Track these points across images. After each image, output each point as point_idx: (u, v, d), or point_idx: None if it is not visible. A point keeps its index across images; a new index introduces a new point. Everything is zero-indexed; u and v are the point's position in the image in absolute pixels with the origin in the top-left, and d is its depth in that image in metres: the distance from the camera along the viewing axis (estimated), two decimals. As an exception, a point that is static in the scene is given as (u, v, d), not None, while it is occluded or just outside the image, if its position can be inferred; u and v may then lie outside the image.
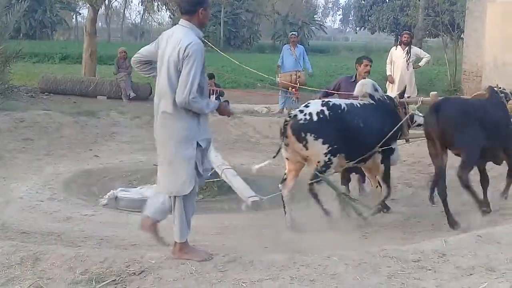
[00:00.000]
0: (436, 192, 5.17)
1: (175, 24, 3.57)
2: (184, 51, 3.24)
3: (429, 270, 3.33)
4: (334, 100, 5.15)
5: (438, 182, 5.11)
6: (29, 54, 18.24)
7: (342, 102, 5.11)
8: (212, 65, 13.75)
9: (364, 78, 5.85)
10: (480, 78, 11.08)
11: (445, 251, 3.56)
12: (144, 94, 12.06)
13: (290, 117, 4.94)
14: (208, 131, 3.51)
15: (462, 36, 15.16)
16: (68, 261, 3.32)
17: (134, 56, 3.66)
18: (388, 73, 9.84)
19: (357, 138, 4.95)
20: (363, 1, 40.10)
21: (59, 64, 19.40)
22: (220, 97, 9.99)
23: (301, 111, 4.91)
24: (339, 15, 72.25)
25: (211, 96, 9.96)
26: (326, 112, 4.87)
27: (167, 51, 3.33)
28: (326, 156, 4.85)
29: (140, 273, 3.20)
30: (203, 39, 3.48)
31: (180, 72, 3.27)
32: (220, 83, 11.94)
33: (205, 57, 3.33)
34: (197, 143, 3.39)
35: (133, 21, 49.98)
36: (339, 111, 4.94)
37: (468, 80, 12.63)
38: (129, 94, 11.76)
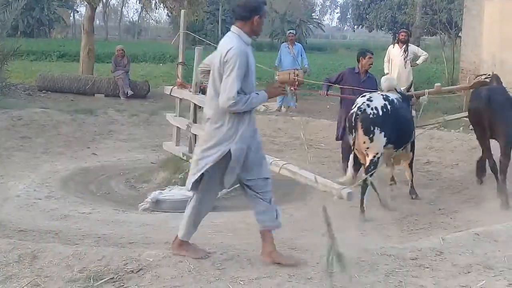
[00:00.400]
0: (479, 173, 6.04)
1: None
2: (225, 56, 3.25)
3: (427, 268, 3.34)
4: (388, 95, 5.53)
5: (490, 160, 5.68)
6: (27, 52, 18.22)
7: (392, 96, 5.51)
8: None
9: (367, 70, 6.44)
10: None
11: (442, 249, 3.57)
12: (142, 92, 12.05)
13: (360, 111, 5.24)
14: (247, 140, 3.35)
15: (459, 34, 15.18)
16: (66, 259, 3.31)
17: (199, 66, 3.75)
18: (385, 71, 9.83)
19: (403, 129, 5.47)
20: (361, -1, 40.11)
21: (56, 62, 19.36)
22: None
23: (368, 106, 5.26)
24: (337, 13, 72.29)
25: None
26: (388, 107, 5.31)
27: (215, 58, 3.37)
28: (383, 148, 5.29)
29: (138, 271, 3.20)
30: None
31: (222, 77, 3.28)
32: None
33: (249, 62, 3.29)
34: (229, 150, 3.30)
35: (131, 19, 49.90)
36: (395, 105, 5.40)
37: (466, 78, 12.64)
38: (127, 92, 11.74)
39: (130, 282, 3.10)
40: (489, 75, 6.23)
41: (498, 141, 5.62)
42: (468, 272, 3.29)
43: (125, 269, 3.22)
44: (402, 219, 5.31)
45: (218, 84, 3.29)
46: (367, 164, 5.28)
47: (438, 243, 3.68)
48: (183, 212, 3.57)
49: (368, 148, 5.25)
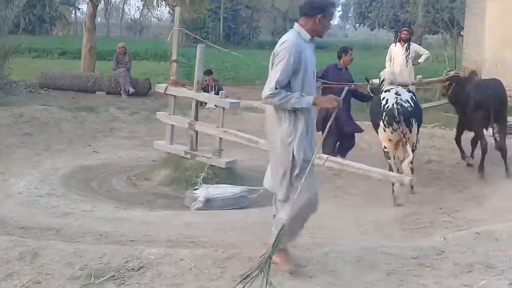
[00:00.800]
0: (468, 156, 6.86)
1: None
2: (277, 49, 3.21)
3: (428, 267, 3.34)
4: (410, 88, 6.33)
5: (482, 142, 6.36)
6: (28, 49, 18.21)
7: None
8: (211, 61, 13.73)
9: (349, 66, 7.04)
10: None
11: (444, 248, 3.56)
12: (143, 90, 12.05)
13: (399, 105, 5.72)
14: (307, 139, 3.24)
15: (461, 33, 15.15)
16: (67, 256, 3.31)
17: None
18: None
19: (421, 115, 6.10)
20: (362, -2, 40.01)
21: (58, 60, 19.36)
22: (220, 92, 9.97)
23: (401, 99, 5.79)
24: (338, 11, 72.13)
25: (210, 92, 9.97)
26: (414, 98, 5.96)
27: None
28: (417, 135, 5.98)
29: (139, 269, 3.20)
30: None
31: None
32: (220, 79, 11.93)
33: (304, 59, 3.16)
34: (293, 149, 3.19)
35: (132, 17, 49.82)
36: (415, 95, 6.13)
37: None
38: (128, 90, 11.74)
39: (131, 280, 3.10)
40: (456, 72, 7.39)
41: (498, 126, 6.36)
42: (470, 271, 3.28)
43: (126, 267, 3.21)
44: (403, 218, 5.30)
45: None
46: (411, 154, 5.73)
47: (439, 242, 3.67)
48: (233, 208, 3.52)
49: (409, 138, 5.79)
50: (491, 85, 6.49)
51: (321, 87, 6.78)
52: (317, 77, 6.77)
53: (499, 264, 3.36)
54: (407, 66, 9.62)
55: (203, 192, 5.74)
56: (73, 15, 41.68)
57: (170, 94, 6.77)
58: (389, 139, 5.88)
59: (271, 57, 3.23)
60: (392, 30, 35.91)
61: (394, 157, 5.96)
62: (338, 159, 6.16)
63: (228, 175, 6.38)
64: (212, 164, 6.33)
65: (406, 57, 9.60)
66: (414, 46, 9.97)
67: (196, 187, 5.93)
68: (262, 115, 8.85)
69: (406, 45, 9.64)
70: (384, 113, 5.81)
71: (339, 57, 6.98)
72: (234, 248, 3.72)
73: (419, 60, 9.84)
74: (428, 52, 10.15)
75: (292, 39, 3.21)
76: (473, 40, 12.48)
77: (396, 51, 9.72)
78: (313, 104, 3.20)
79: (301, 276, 3.18)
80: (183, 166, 6.45)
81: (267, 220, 5.19)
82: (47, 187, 6.05)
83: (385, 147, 5.96)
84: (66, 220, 5.04)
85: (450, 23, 15.95)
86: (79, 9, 40.32)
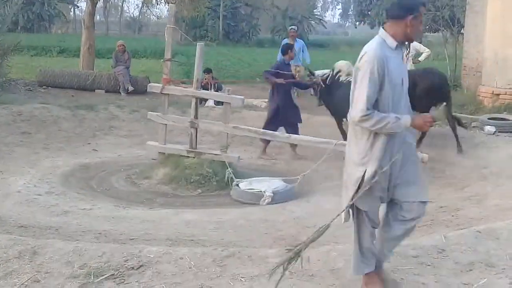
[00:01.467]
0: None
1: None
2: (359, 61, 2.86)
3: (429, 265, 3.33)
4: None
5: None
6: (27, 47, 18.18)
7: None
8: (210, 60, 13.71)
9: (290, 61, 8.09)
10: (480, 73, 11.04)
11: (444, 247, 3.55)
12: (142, 88, 11.99)
13: None
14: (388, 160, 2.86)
15: (462, 31, 15.12)
16: (66, 255, 3.30)
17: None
18: (387, 67, 9.82)
19: None
20: (362, -4, 39.97)
21: (57, 58, 19.33)
22: (219, 90, 9.98)
23: None
24: (338, 9, 72.05)
25: (209, 89, 9.96)
26: None
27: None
28: None
29: (138, 268, 3.19)
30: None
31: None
32: (219, 78, 11.91)
33: (388, 71, 2.80)
34: (365, 171, 2.84)
35: (131, 15, 49.81)
36: None
37: (468, 75, 12.59)
38: (127, 88, 11.71)
39: (130, 279, 3.09)
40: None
41: (447, 107, 7.28)
42: (470, 270, 3.28)
43: (126, 266, 3.20)
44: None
45: (352, 94, 2.90)
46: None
47: (440, 241, 3.65)
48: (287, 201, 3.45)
49: None
50: (439, 73, 7.82)
51: (269, 80, 7.54)
52: (271, 73, 7.67)
53: (499, 263, 3.35)
54: (406, 64, 9.61)
55: (253, 185, 5.96)
56: (72, 13, 41.68)
57: (164, 94, 6.65)
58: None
59: (353, 72, 2.91)
60: (392, 28, 35.84)
61: None
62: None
63: (227, 173, 6.36)
64: (224, 160, 6.38)
65: (406, 55, 9.58)
66: (414, 44, 9.93)
67: (237, 182, 6.09)
68: (262, 113, 8.89)
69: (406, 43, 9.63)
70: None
71: (285, 54, 7.90)
72: (233, 247, 3.70)
73: (419, 58, 9.82)
74: (428, 50, 10.13)
75: (373, 49, 2.84)
76: (473, 38, 12.44)
77: (396, 49, 9.70)
78: (411, 126, 2.86)
79: (302, 275, 3.17)
80: (182, 165, 6.44)
81: (266, 218, 5.20)
82: (46, 186, 6.03)
83: None
84: (65, 218, 5.03)
85: (450, 21, 15.89)
86: (78, 7, 40.32)
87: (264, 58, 17.41)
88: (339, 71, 7.49)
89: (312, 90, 8.01)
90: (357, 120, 2.81)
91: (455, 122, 7.58)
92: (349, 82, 6.83)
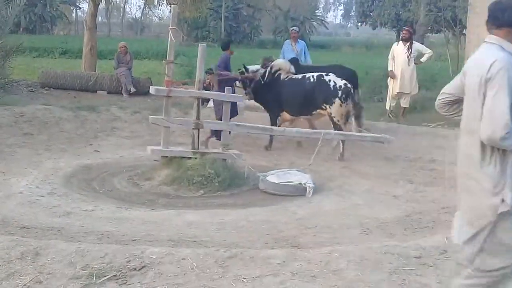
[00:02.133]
0: None
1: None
2: (487, 72, 2.48)
3: (431, 266, 3.33)
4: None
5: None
6: (29, 49, 18.21)
7: None
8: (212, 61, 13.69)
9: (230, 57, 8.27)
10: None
11: (446, 248, 3.55)
12: (144, 89, 12.00)
13: (349, 85, 7.50)
14: None
15: (464, 31, 15.11)
16: (69, 256, 3.30)
17: (438, 98, 2.85)
18: (389, 68, 9.83)
19: None
20: (364, -4, 39.96)
21: (59, 59, 19.36)
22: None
23: (346, 81, 7.59)
24: (340, 10, 72.14)
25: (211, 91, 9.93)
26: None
27: (470, 77, 2.60)
28: None
29: (140, 269, 3.19)
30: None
31: (484, 100, 2.49)
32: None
33: None
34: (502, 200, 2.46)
35: (134, 16, 49.93)
36: None
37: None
38: (129, 89, 11.72)
39: (132, 280, 3.09)
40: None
41: None
42: (473, 271, 3.26)
43: (128, 267, 3.20)
44: (405, 217, 5.29)
45: (478, 110, 2.50)
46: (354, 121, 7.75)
47: (442, 242, 3.65)
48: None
49: (350, 110, 7.57)
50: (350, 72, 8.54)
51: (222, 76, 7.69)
52: (224, 68, 7.95)
53: (502, 264, 3.34)
54: (409, 65, 9.61)
55: (285, 178, 6.11)
56: (74, 14, 41.78)
57: (165, 96, 6.60)
58: (342, 113, 7.36)
59: (477, 86, 2.52)
60: (394, 29, 35.87)
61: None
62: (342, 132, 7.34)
63: (229, 173, 6.37)
64: (227, 158, 6.53)
65: (408, 56, 9.58)
66: (416, 45, 9.95)
67: (264, 174, 6.26)
68: (264, 114, 8.90)
69: (408, 44, 9.63)
70: (340, 92, 7.34)
71: (227, 49, 8.19)
72: (236, 248, 3.70)
73: (421, 59, 9.82)
74: (430, 51, 10.13)
75: (501, 55, 2.51)
76: (475, 38, 12.38)
77: (398, 50, 9.70)
78: None
79: (304, 276, 3.17)
80: (184, 166, 6.43)
81: (268, 219, 5.19)
82: (48, 187, 6.03)
83: (338, 121, 7.39)
84: (68, 219, 5.03)
85: (452, 21, 15.89)
86: (80, 8, 40.43)
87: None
88: (278, 69, 7.90)
89: (237, 83, 8.14)
90: (498, 138, 2.41)
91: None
92: (290, 80, 7.78)
